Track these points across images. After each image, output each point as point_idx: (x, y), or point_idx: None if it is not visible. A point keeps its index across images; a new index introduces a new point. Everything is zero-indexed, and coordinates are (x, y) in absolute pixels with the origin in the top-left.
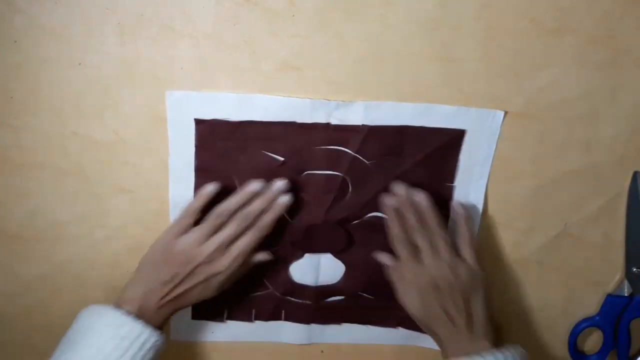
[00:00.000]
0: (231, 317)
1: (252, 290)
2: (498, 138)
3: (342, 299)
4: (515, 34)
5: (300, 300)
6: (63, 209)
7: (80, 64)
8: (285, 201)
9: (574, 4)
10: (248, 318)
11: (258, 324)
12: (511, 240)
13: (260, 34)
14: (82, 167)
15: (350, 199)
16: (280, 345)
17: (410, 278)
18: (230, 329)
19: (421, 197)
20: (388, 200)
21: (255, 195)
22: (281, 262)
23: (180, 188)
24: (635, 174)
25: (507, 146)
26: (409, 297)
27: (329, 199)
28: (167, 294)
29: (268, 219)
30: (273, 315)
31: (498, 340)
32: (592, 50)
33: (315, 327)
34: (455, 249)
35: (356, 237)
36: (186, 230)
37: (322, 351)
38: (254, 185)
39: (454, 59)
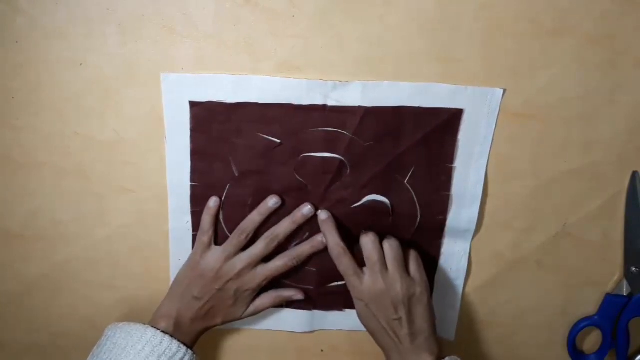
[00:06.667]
0: None
1: None
2: (498, 116)
3: (344, 284)
4: (514, 34)
5: (301, 286)
6: (64, 208)
7: (81, 64)
8: (322, 240)
9: (574, 5)
10: None
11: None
12: (510, 240)
13: (260, 34)
14: (83, 167)
15: (349, 181)
16: (280, 344)
17: (353, 292)
18: None
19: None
20: (322, 215)
21: (275, 212)
22: (281, 247)
23: (177, 172)
24: (634, 173)
25: (506, 146)
26: (357, 309)
27: (326, 179)
28: (199, 310)
29: (306, 252)
30: None
31: (441, 351)
32: (591, 50)
33: (317, 314)
34: (399, 262)
35: (357, 221)
36: (208, 247)
37: (322, 350)
38: (272, 202)
39: (454, 59)
